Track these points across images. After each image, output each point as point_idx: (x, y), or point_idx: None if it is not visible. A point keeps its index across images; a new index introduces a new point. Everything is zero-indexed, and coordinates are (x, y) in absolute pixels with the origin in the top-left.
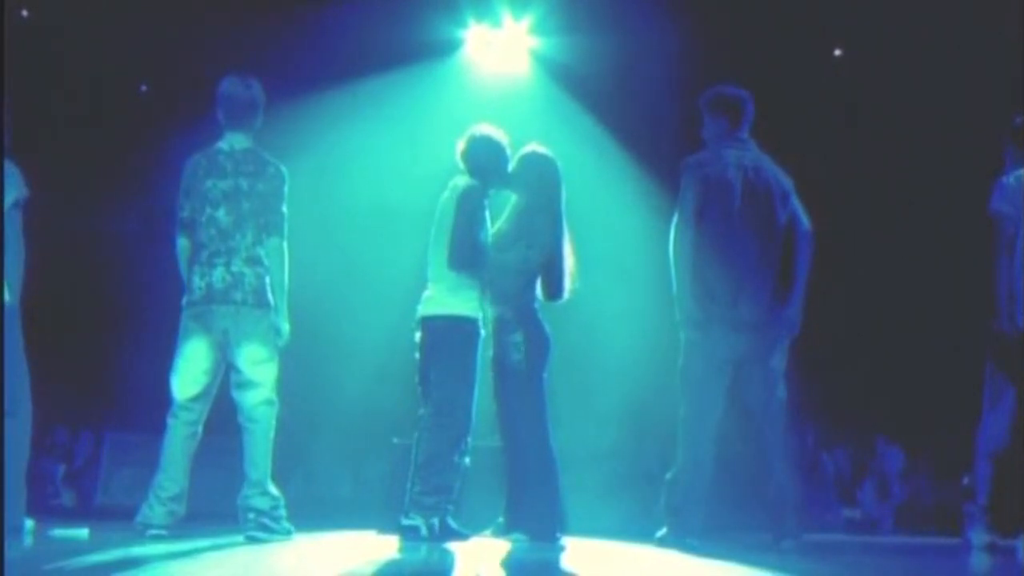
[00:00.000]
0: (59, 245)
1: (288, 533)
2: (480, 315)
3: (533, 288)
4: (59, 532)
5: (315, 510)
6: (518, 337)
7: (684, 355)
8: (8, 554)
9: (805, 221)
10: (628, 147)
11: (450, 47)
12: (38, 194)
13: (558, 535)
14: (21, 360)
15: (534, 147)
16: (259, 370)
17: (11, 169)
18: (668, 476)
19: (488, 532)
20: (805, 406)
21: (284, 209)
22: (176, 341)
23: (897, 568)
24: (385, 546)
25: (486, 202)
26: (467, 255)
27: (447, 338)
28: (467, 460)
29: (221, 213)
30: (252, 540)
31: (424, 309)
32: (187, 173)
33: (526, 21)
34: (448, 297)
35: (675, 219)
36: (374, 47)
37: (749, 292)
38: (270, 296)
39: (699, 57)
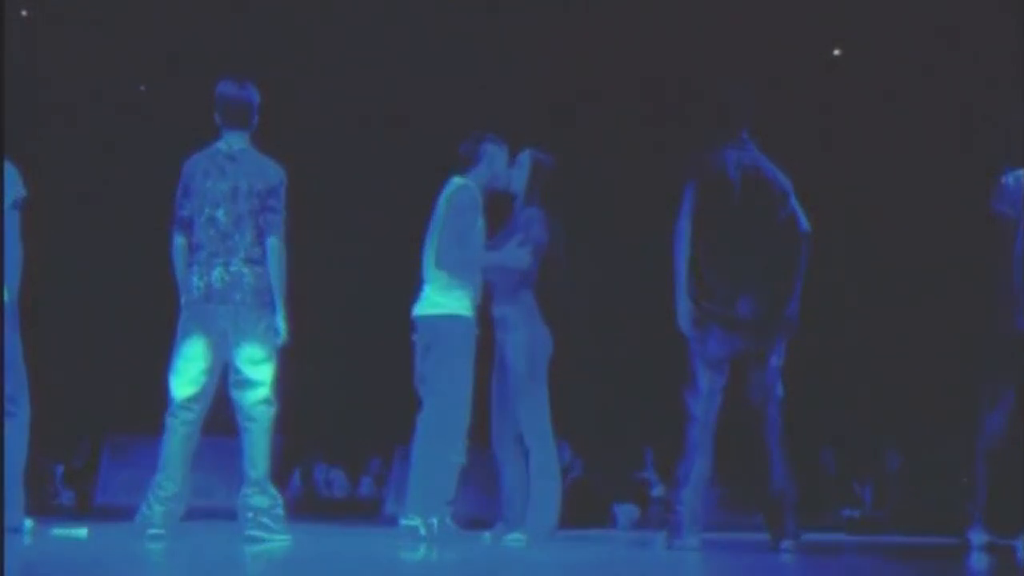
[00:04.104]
0: (59, 245)
1: (287, 533)
2: (473, 314)
3: (532, 286)
4: (59, 532)
5: (314, 510)
6: (518, 336)
7: (683, 354)
8: (8, 554)
9: (804, 221)
10: (628, 147)
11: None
12: (37, 194)
13: (557, 535)
14: (20, 360)
15: (531, 148)
16: (258, 370)
17: (9, 169)
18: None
19: (487, 532)
20: (805, 406)
21: (283, 209)
22: (175, 341)
23: (896, 568)
24: (384, 546)
25: (479, 202)
26: (454, 254)
27: (441, 338)
28: (464, 460)
29: (220, 213)
30: (251, 540)
31: (418, 309)
32: (186, 173)
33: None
34: (440, 297)
35: (675, 218)
36: (373, 47)
37: (747, 292)
38: (269, 296)
39: (699, 57)
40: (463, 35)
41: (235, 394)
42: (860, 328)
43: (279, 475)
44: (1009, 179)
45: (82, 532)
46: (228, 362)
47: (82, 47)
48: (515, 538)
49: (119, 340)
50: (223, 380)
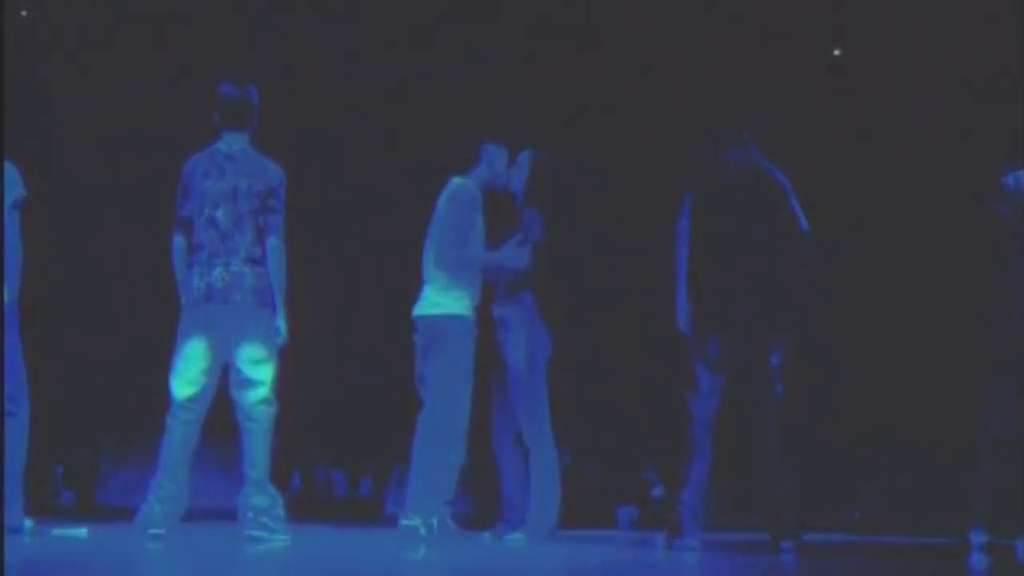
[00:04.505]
0: (59, 245)
1: (287, 533)
2: (473, 314)
3: (532, 286)
4: (59, 532)
5: (314, 510)
6: (518, 336)
7: (683, 354)
8: (8, 554)
9: (804, 221)
10: (629, 147)
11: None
12: (37, 194)
13: (557, 535)
14: (19, 360)
15: (531, 149)
16: (258, 370)
17: (9, 169)
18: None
19: (487, 532)
20: (805, 406)
21: (283, 209)
22: (175, 341)
23: (896, 569)
24: (384, 546)
25: (479, 202)
26: (454, 254)
27: (440, 337)
28: (464, 459)
29: (220, 213)
30: (251, 540)
31: (418, 309)
32: (186, 173)
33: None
34: (440, 296)
35: (675, 218)
36: (374, 47)
37: (747, 291)
38: (269, 296)
39: (699, 57)
40: (463, 35)
41: (235, 394)
42: (860, 328)
43: (279, 475)
44: (1009, 179)
45: (82, 532)
46: (228, 362)
47: (82, 47)
48: (515, 538)
49: (119, 341)
50: (223, 380)
